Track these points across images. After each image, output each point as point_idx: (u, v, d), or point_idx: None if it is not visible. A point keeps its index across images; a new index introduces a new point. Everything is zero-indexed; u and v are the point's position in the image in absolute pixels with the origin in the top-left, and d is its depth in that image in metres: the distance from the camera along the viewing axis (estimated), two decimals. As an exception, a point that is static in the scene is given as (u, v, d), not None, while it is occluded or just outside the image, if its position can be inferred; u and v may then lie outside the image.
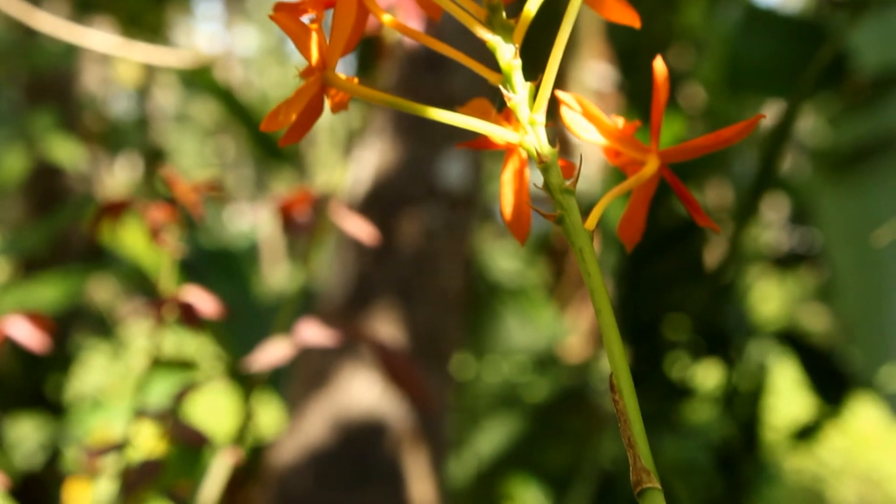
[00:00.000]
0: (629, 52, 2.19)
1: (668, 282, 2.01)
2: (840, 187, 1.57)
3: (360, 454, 1.24)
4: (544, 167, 0.28)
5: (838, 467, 3.56)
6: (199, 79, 2.24)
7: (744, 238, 1.77)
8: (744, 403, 2.03)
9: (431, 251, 1.33)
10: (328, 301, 1.33)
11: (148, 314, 0.66)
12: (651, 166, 0.29)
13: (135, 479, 0.61)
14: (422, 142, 1.35)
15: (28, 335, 0.64)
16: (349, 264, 1.32)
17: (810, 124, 2.07)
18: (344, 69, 0.30)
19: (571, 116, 0.29)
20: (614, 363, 0.25)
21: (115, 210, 0.66)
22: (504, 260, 2.77)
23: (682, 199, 0.29)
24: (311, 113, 0.29)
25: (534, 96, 0.29)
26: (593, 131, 0.30)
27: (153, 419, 0.65)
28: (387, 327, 1.27)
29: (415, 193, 1.34)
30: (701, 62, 2.16)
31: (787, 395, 3.26)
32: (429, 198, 1.34)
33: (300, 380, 1.30)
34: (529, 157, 0.29)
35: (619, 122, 0.30)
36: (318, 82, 0.29)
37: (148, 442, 0.70)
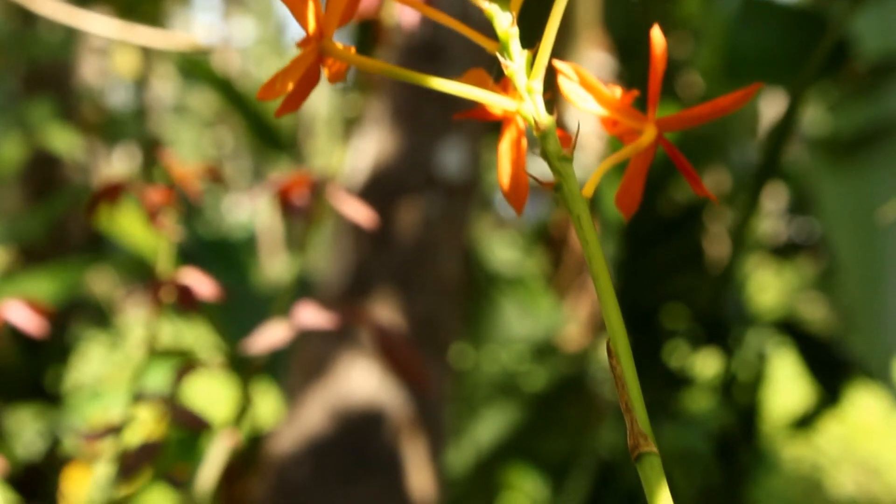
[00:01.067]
0: (627, 41, 2.18)
1: (667, 271, 2.01)
2: (840, 175, 1.56)
3: (358, 443, 1.23)
4: (542, 135, 0.28)
5: (837, 456, 3.57)
6: (197, 68, 2.24)
7: (747, 228, 1.77)
8: (742, 392, 2.04)
9: (430, 240, 1.33)
10: (326, 290, 1.32)
11: (146, 299, 0.66)
12: (648, 134, 0.29)
13: (133, 462, 0.61)
14: (420, 130, 1.35)
15: (27, 320, 0.64)
16: (347, 253, 1.32)
17: (809, 112, 2.06)
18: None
19: (569, 86, 0.29)
20: (612, 328, 0.25)
21: (113, 193, 0.66)
22: (502, 249, 2.77)
23: (681, 169, 0.29)
24: (308, 82, 0.29)
25: (531, 64, 0.29)
26: (591, 101, 0.29)
27: (151, 402, 0.65)
28: (385, 316, 1.27)
29: (413, 182, 1.33)
30: (699, 51, 2.15)
31: (786, 384, 3.27)
32: (427, 187, 1.33)
33: (298, 369, 1.30)
34: (527, 126, 0.29)
35: (617, 91, 0.30)
36: (314, 51, 0.29)
37: (146, 425, 0.70)
